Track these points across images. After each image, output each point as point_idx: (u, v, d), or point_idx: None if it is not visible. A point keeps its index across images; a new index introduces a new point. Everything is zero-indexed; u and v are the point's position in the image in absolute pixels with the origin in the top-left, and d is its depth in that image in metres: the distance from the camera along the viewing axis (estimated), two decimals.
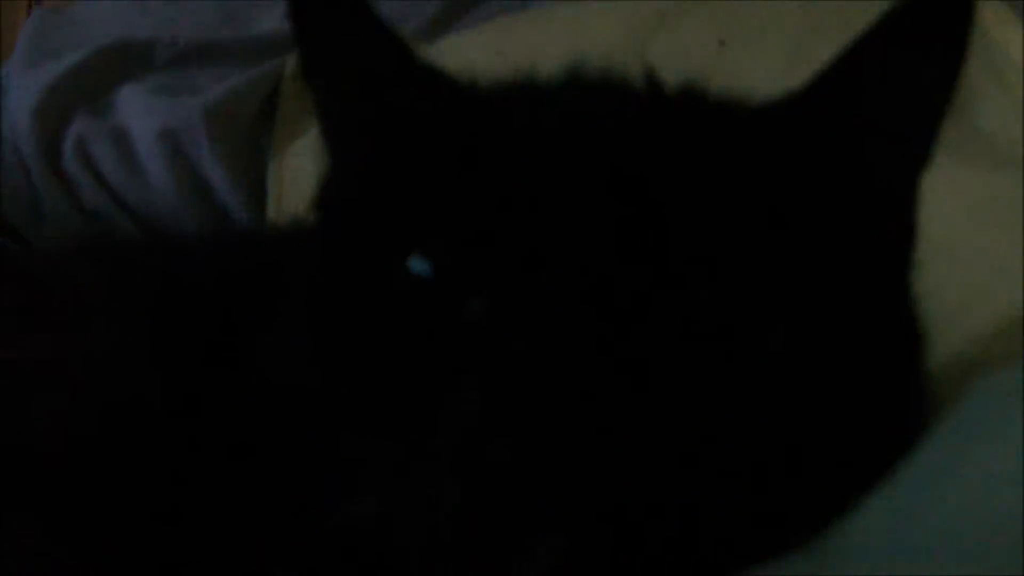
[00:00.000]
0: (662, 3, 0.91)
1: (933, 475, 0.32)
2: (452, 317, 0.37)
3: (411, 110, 0.43)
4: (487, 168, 0.38)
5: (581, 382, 0.33)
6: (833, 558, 0.32)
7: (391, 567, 0.36)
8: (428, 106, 0.42)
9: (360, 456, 0.37)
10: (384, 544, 0.36)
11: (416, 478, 0.34)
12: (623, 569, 0.33)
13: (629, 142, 0.38)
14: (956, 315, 0.46)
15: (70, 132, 0.97)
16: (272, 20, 1.15)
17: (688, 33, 0.86)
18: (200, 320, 0.47)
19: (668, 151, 0.38)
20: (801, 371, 0.37)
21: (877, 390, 0.39)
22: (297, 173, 0.91)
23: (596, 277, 0.35)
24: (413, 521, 0.35)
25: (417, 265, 0.38)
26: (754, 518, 0.34)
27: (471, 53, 0.87)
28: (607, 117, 0.40)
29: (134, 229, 0.96)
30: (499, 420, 0.33)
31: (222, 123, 0.96)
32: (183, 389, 0.43)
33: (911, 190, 0.42)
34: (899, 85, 0.40)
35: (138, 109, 0.98)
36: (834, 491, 0.34)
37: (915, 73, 0.40)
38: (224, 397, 0.42)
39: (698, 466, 0.34)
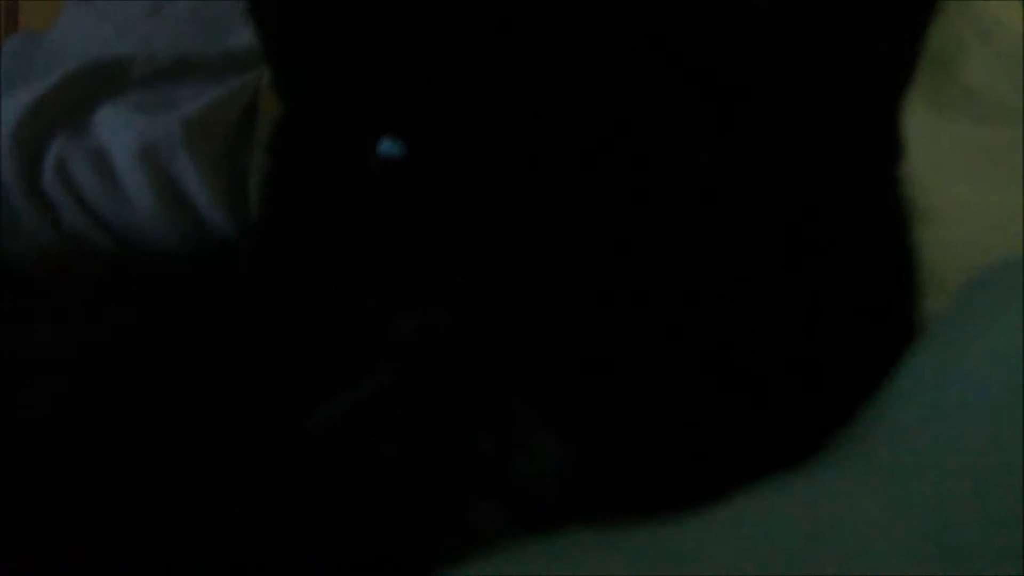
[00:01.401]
0: None
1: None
2: (433, 187, 0.36)
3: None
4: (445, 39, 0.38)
5: (577, 248, 0.33)
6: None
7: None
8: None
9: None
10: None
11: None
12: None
13: None
14: (943, 267, 0.45)
15: (49, 154, 0.96)
16: (246, 35, 1.14)
17: None
18: (198, 311, 0.47)
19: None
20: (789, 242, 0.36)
21: (869, 264, 0.38)
22: None
23: (577, 137, 0.35)
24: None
25: (386, 147, 0.38)
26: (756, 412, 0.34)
27: None
28: None
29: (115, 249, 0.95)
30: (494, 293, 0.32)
31: (200, 137, 0.95)
32: (183, 363, 0.43)
33: (898, 97, 0.44)
34: None
35: (116, 127, 0.97)
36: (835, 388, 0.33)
37: None
38: (214, 356, 0.42)
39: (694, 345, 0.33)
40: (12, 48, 1.15)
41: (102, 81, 1.03)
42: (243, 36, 1.17)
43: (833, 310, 0.37)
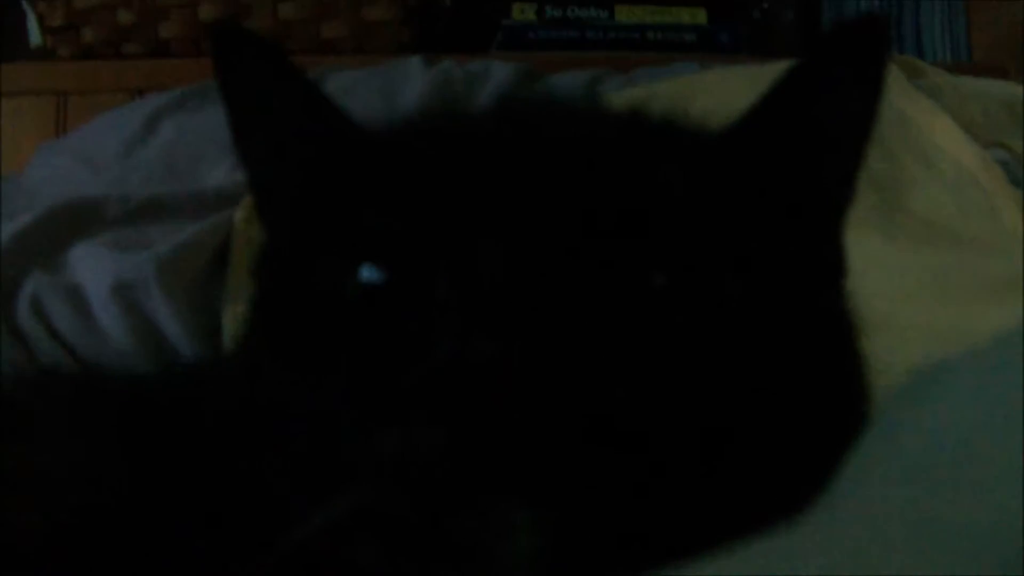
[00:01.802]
0: None
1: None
2: (415, 308, 0.39)
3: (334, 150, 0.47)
4: (419, 178, 0.42)
5: (553, 346, 0.35)
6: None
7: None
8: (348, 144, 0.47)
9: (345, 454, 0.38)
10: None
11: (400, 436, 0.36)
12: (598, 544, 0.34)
13: (567, 140, 0.41)
14: (889, 374, 0.48)
15: (24, 291, 0.97)
16: (218, 176, 1.18)
17: None
18: (164, 427, 0.48)
19: (609, 149, 0.41)
20: (748, 348, 0.40)
21: (817, 369, 0.42)
22: None
23: (551, 246, 0.38)
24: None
25: (366, 273, 0.41)
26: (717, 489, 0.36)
27: None
28: (545, 125, 0.43)
29: None
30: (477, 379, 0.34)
31: (173, 274, 0.97)
32: (152, 481, 0.44)
33: (839, 219, 0.48)
34: (826, 116, 0.46)
35: (91, 265, 0.99)
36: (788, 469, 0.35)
37: (839, 106, 0.43)
38: (191, 473, 0.43)
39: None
40: None
41: (77, 220, 1.05)
42: (213, 177, 1.21)
43: (788, 403, 0.39)
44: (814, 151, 0.46)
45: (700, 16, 1.56)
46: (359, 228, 0.42)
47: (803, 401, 0.40)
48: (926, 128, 0.84)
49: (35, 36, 1.57)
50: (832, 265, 0.48)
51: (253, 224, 0.94)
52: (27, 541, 0.42)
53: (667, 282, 0.40)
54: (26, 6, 1.56)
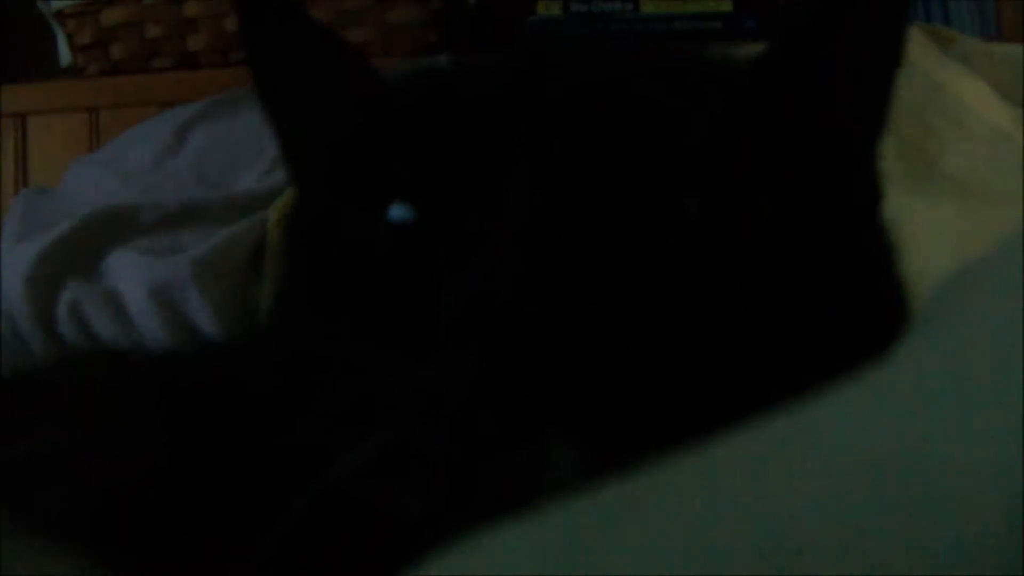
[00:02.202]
0: None
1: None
2: (446, 244, 0.39)
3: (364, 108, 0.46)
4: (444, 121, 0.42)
5: (584, 271, 0.35)
6: None
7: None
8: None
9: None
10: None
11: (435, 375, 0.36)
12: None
13: (593, 72, 0.41)
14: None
15: (63, 297, 0.98)
16: (249, 180, 1.19)
17: None
18: (203, 396, 0.48)
19: (637, 79, 0.41)
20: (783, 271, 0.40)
21: (856, 289, 0.42)
22: None
23: (581, 175, 0.37)
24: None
25: (396, 212, 0.41)
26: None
27: None
28: (572, 61, 0.43)
29: None
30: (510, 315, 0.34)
31: (210, 274, 0.98)
32: (196, 450, 0.44)
33: (873, 147, 0.47)
34: (853, 40, 0.45)
35: (127, 270, 1.00)
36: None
37: (865, 31, 0.44)
38: (233, 437, 0.43)
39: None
40: (24, 201, 1.18)
41: (112, 228, 1.06)
42: (244, 182, 1.22)
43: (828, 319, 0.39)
44: (844, 76, 0.45)
45: (725, 4, 1.55)
46: (389, 172, 0.42)
47: (843, 322, 0.40)
48: (956, 91, 0.84)
49: (65, 55, 1.59)
50: (867, 191, 0.48)
51: None
52: (77, 517, 0.43)
53: (701, 206, 0.40)
54: (55, 26, 1.58)
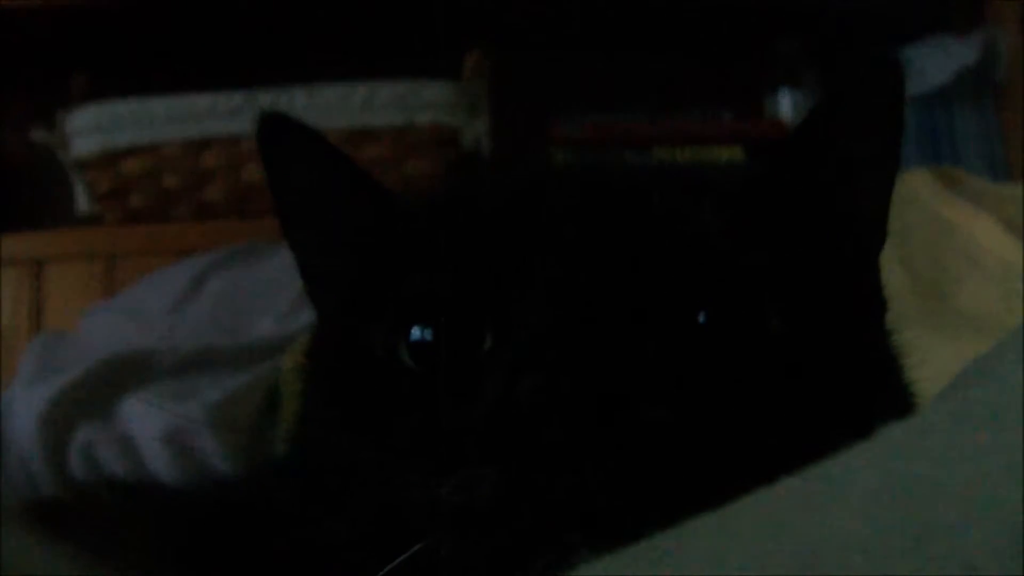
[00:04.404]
0: None
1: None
2: (465, 361, 0.40)
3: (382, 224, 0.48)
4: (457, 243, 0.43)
5: (597, 380, 0.36)
6: None
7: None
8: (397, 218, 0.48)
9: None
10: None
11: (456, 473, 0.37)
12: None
13: (602, 191, 0.44)
14: None
15: (76, 439, 0.98)
16: (264, 327, 1.20)
17: None
18: (234, 519, 0.48)
19: (642, 196, 0.41)
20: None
21: (864, 395, 0.43)
22: None
23: (591, 292, 0.39)
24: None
25: (417, 333, 0.42)
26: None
27: None
28: (579, 181, 0.46)
29: None
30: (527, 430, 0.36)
31: (225, 419, 0.97)
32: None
33: (872, 259, 0.49)
34: (849, 150, 0.46)
35: (141, 416, 1.00)
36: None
37: (862, 139, 0.46)
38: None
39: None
40: (40, 344, 1.19)
41: (126, 372, 1.06)
42: (258, 329, 1.23)
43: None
44: (841, 185, 0.46)
45: (737, 153, 1.58)
46: (407, 293, 0.43)
47: (850, 427, 0.40)
48: (968, 229, 0.85)
49: (83, 204, 1.61)
50: (870, 301, 0.49)
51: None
52: None
53: (713, 320, 0.40)
54: (74, 177, 1.61)
